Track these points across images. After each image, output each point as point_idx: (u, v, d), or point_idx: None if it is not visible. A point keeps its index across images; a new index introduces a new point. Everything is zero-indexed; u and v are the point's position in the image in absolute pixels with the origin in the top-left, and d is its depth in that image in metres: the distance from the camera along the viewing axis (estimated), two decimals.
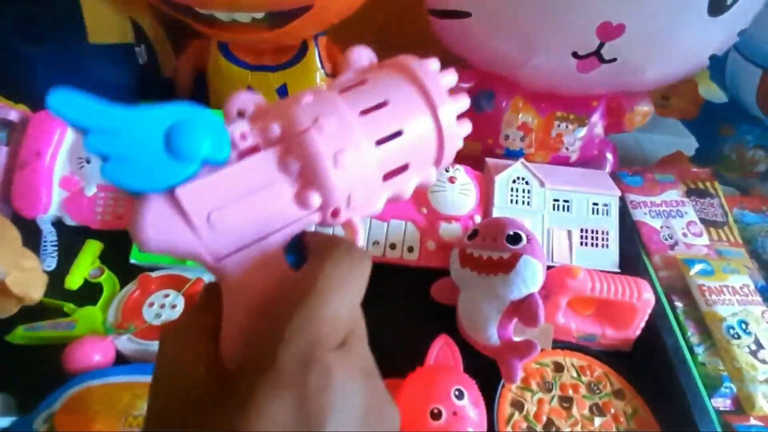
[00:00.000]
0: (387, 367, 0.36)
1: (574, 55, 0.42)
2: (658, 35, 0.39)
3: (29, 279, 0.42)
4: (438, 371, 0.38)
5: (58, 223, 0.47)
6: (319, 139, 0.18)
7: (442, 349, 0.40)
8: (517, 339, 0.42)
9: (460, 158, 0.53)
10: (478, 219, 0.50)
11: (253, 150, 0.18)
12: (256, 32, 0.44)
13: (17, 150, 0.48)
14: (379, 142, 0.19)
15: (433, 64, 0.21)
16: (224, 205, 0.17)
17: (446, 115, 0.20)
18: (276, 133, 0.18)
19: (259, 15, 0.41)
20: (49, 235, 0.45)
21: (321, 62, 0.50)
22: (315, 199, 0.18)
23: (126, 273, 0.45)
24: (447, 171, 0.50)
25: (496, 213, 0.50)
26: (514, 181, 0.50)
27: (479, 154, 0.56)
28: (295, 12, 0.41)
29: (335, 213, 0.20)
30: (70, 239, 0.47)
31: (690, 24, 0.38)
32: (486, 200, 0.51)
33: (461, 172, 0.50)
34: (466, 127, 0.21)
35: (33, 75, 0.51)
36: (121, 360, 0.40)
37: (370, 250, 0.49)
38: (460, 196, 0.49)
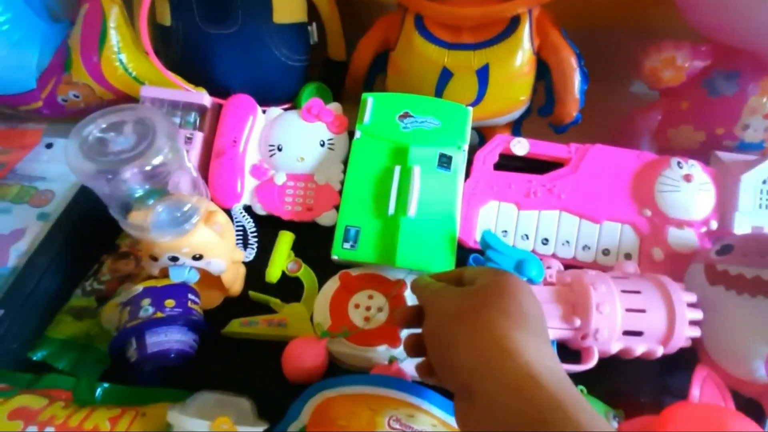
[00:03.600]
0: (629, 396, 0.32)
1: None
2: None
3: (236, 272, 0.41)
4: (720, 410, 0.32)
5: (248, 212, 0.46)
6: (593, 292, 0.35)
7: (706, 384, 0.34)
8: None
9: (676, 151, 0.45)
10: (714, 225, 0.42)
11: (551, 284, 0.38)
12: (474, 7, 0.38)
13: (211, 136, 0.47)
14: (628, 310, 0.35)
15: (688, 297, 0.35)
16: None
17: (680, 322, 0.34)
18: (567, 280, 0.38)
19: None
20: (249, 225, 0.44)
21: (531, 39, 0.44)
22: (576, 321, 0.35)
23: (318, 267, 0.43)
24: (680, 167, 0.42)
25: (739, 219, 0.42)
26: (764, 182, 0.42)
27: (699, 147, 0.48)
28: None
29: (584, 336, 0.35)
30: (260, 229, 0.45)
31: None
32: (724, 203, 0.42)
33: (698, 169, 0.42)
34: (695, 331, 0.35)
35: (217, 55, 0.49)
36: (332, 364, 0.38)
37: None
38: (696, 197, 0.42)
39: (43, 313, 0.38)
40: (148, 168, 0.30)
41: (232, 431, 0.28)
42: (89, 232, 0.43)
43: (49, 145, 0.49)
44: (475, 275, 0.28)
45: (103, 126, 0.31)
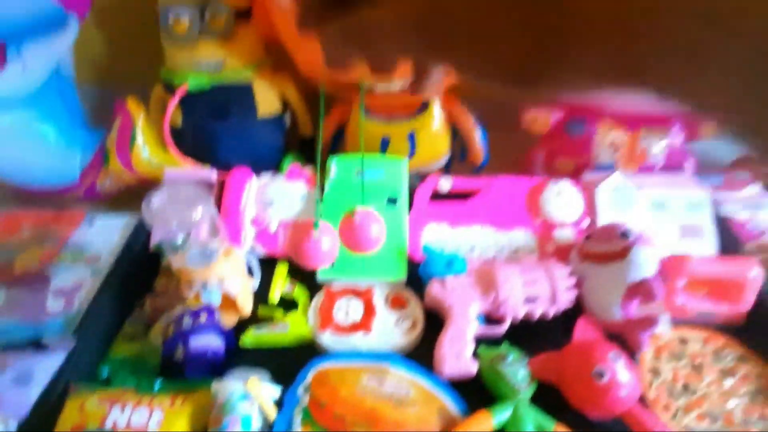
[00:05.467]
0: (540, 348, 0.45)
1: None
2: None
3: (246, 296, 0.55)
4: (592, 341, 0.46)
5: (251, 254, 0.60)
6: (500, 274, 0.51)
7: (585, 328, 0.49)
8: (638, 316, 0.50)
9: (561, 174, 0.63)
10: (586, 223, 0.59)
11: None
12: (400, 98, 0.57)
13: (218, 201, 0.62)
14: (525, 284, 0.51)
15: (562, 269, 0.52)
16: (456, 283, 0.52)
17: (560, 287, 0.51)
18: (484, 269, 0.53)
19: (408, 83, 0.55)
20: (255, 262, 0.58)
21: (441, 110, 0.63)
22: (492, 295, 0.51)
23: (310, 287, 0.57)
24: (555, 185, 0.60)
25: (601, 218, 0.59)
26: (614, 189, 0.60)
27: (573, 172, 0.66)
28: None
29: (499, 306, 0.50)
30: (262, 266, 0.60)
31: None
32: (590, 207, 0.60)
33: (567, 186, 0.60)
34: (572, 293, 0.51)
35: (219, 143, 0.67)
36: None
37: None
38: (568, 206, 0.59)
39: (105, 340, 0.51)
40: (193, 219, 0.45)
41: (257, 389, 0.41)
42: (132, 279, 0.56)
43: (91, 221, 0.64)
44: None
45: (163, 194, 0.47)
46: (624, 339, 0.49)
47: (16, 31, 0.53)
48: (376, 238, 0.56)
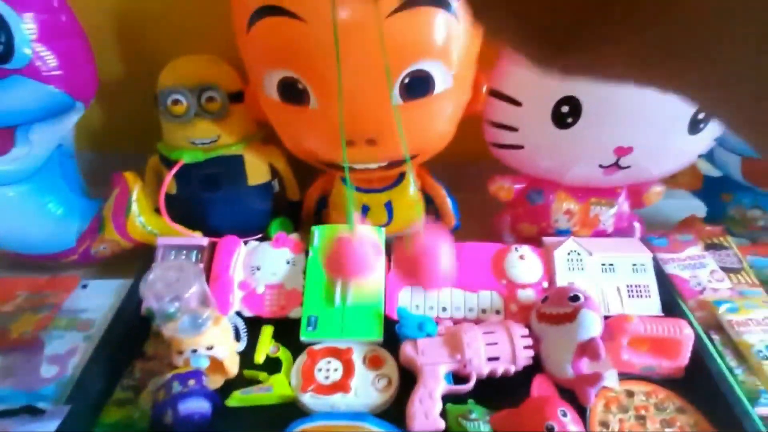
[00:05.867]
0: (503, 402, 0.51)
1: (600, 166, 0.61)
2: (657, 150, 0.57)
3: (233, 359, 0.59)
4: (545, 398, 0.52)
5: (238, 315, 0.65)
6: (464, 336, 0.56)
7: (541, 385, 0.54)
8: (587, 372, 0.55)
9: (523, 239, 0.70)
10: (545, 284, 0.66)
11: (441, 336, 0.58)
12: (377, 172, 0.64)
13: (209, 265, 0.67)
14: (488, 344, 0.56)
15: (521, 330, 0.57)
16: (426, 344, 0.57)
17: (518, 346, 0.56)
18: (450, 331, 0.58)
19: (384, 163, 0.61)
20: (241, 324, 0.62)
21: (414, 182, 0.70)
22: (458, 356, 0.55)
23: (293, 347, 0.61)
24: (517, 251, 0.67)
25: (558, 279, 0.66)
26: (568, 254, 0.67)
27: (536, 235, 0.73)
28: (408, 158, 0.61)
29: (465, 365, 0.55)
30: (248, 326, 0.64)
31: (678, 141, 0.57)
32: (549, 270, 0.67)
33: (528, 251, 0.67)
34: (530, 352, 0.56)
35: (211, 210, 0.72)
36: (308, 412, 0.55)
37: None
38: (529, 269, 0.66)
39: (97, 406, 0.54)
40: (186, 296, 0.50)
41: None
42: (123, 344, 0.60)
43: (84, 286, 0.67)
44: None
45: (159, 272, 0.52)
46: (576, 394, 0.55)
47: (26, 117, 0.58)
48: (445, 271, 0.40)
